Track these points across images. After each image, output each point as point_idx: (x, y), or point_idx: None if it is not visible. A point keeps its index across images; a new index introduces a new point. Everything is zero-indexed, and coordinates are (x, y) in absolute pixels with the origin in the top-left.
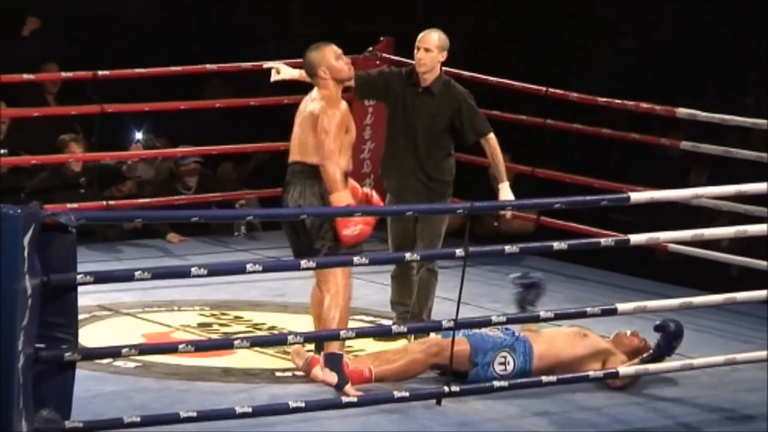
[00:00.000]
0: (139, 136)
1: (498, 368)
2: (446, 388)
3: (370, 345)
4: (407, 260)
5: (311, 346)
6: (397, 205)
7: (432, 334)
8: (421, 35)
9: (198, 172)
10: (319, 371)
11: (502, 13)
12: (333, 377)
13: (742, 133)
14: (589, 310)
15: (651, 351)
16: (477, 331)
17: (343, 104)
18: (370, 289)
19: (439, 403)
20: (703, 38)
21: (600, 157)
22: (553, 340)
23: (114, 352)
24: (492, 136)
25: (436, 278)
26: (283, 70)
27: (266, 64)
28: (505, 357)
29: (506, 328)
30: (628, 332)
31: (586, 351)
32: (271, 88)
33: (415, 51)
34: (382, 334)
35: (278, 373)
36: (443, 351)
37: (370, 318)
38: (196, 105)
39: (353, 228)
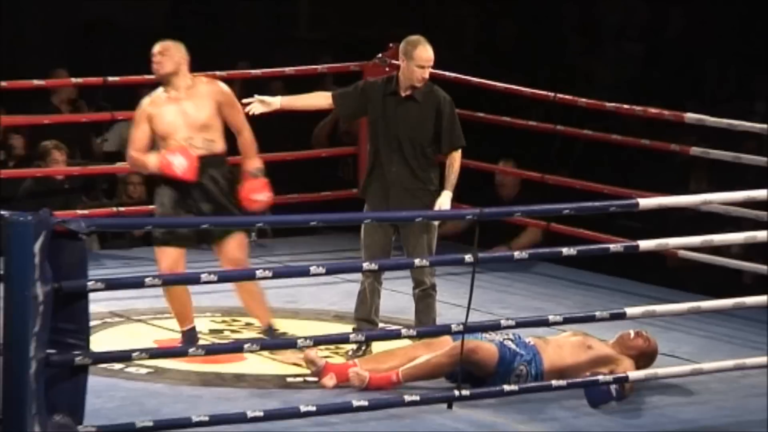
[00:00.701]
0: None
1: (513, 379)
2: (457, 392)
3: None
4: (418, 266)
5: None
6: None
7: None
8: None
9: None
10: (329, 381)
11: (508, 17)
12: None
13: (754, 139)
14: (598, 314)
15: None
16: (498, 340)
17: (144, 101)
18: (382, 295)
19: (450, 406)
20: (711, 42)
21: (602, 162)
22: (560, 350)
23: (125, 356)
24: (460, 151)
25: (435, 296)
26: (265, 102)
27: (248, 108)
28: (522, 369)
29: (518, 336)
30: (632, 333)
31: (592, 361)
32: (280, 93)
33: (418, 69)
34: (391, 337)
35: (289, 379)
36: (469, 354)
37: (382, 325)
38: None
39: (171, 161)
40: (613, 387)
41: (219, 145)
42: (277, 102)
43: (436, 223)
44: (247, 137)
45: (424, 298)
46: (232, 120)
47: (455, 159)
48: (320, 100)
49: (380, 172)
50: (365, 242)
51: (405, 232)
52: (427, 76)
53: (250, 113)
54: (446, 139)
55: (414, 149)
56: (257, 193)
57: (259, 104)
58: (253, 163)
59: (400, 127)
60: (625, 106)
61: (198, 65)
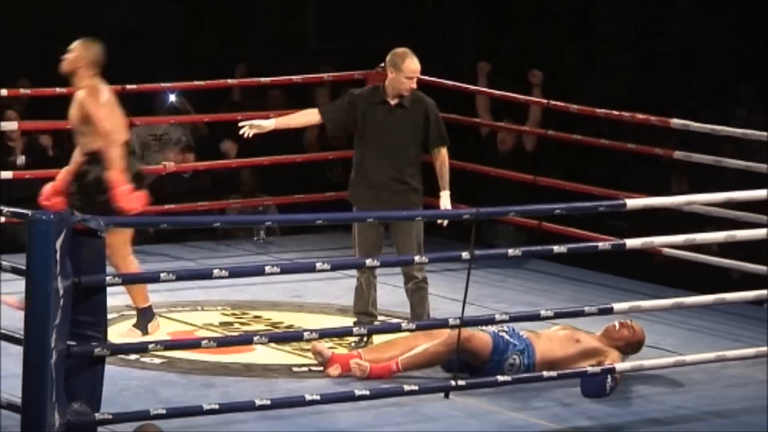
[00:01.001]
0: (172, 98)
1: (507, 368)
2: (453, 382)
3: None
4: (418, 263)
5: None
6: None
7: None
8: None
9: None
10: (334, 370)
11: (509, 27)
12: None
13: (732, 143)
14: (587, 309)
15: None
16: (493, 330)
17: None
18: (381, 290)
19: (446, 396)
20: (698, 51)
21: (592, 164)
22: (551, 343)
23: (141, 348)
24: (446, 149)
25: (427, 288)
26: (257, 124)
27: (242, 132)
28: (515, 359)
29: (513, 329)
30: (617, 325)
31: (580, 354)
32: (289, 101)
33: (407, 80)
34: (392, 331)
35: (295, 369)
36: (464, 343)
37: (382, 318)
38: (217, 118)
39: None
40: (608, 384)
41: (95, 144)
42: (271, 124)
43: None
44: (104, 150)
45: (417, 291)
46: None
47: (445, 157)
48: (310, 116)
49: (367, 177)
50: (359, 241)
51: (394, 229)
52: (414, 86)
53: (245, 136)
54: (433, 139)
55: (403, 154)
56: (118, 202)
57: (249, 128)
58: (107, 174)
59: (391, 134)
60: (614, 112)
61: (212, 72)
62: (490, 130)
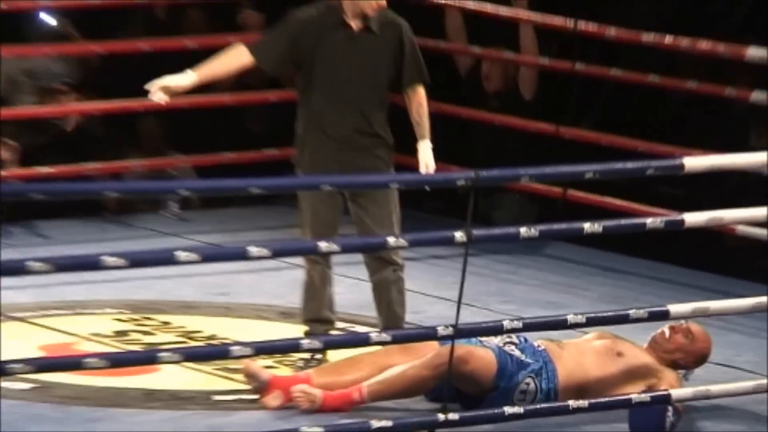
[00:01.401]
0: (52, 21)
1: (518, 396)
2: (442, 416)
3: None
4: (392, 246)
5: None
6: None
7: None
8: None
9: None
10: (274, 400)
11: None
12: None
13: None
14: (632, 313)
15: None
16: (496, 344)
17: None
18: (341, 286)
19: None
20: None
21: (641, 112)
22: (581, 358)
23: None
24: (423, 86)
25: (404, 280)
26: (171, 85)
27: (153, 95)
28: (529, 383)
29: (524, 339)
30: (667, 331)
31: (622, 373)
32: (206, 25)
33: None
34: (357, 344)
35: (218, 397)
36: (459, 365)
37: (342, 325)
38: (113, 47)
39: None
40: (668, 418)
41: None
42: (187, 80)
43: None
44: None
45: (397, 281)
46: None
47: (422, 98)
48: (239, 58)
49: (321, 130)
50: (309, 219)
51: (363, 201)
52: (383, 2)
53: (161, 102)
54: (409, 74)
55: (370, 95)
56: None
57: (162, 92)
58: None
59: (355, 69)
60: (668, 39)
61: None
62: (472, 67)
